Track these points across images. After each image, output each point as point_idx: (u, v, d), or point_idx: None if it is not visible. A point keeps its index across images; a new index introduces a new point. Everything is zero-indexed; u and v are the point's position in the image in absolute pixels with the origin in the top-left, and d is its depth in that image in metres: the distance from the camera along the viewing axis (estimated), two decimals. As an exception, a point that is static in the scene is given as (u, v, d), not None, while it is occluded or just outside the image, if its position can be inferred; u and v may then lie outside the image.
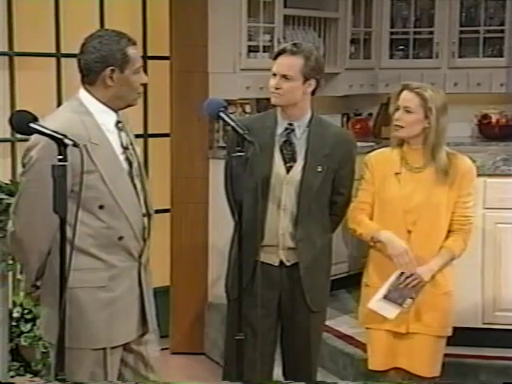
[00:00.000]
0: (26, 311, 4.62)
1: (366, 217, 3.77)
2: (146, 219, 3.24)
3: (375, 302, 3.67)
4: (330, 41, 6.31)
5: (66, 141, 2.72)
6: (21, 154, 2.94)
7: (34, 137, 2.99)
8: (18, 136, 4.60)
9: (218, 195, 4.62)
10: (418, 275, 3.64)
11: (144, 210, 3.23)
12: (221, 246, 5.14)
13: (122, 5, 5.69)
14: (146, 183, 3.29)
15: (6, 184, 4.43)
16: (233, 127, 3.22)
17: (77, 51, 3.15)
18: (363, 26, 6.63)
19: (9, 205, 4.23)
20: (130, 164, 3.20)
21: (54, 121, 3.02)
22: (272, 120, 3.73)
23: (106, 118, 3.15)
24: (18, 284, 4.70)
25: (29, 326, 4.58)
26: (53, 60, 5.34)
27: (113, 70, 3.09)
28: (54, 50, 5.32)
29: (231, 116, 3.34)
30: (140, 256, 3.21)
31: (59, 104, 5.08)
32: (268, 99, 3.76)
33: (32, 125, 2.77)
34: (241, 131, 3.18)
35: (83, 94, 3.16)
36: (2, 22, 5.11)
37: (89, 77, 3.13)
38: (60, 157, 2.71)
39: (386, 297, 3.66)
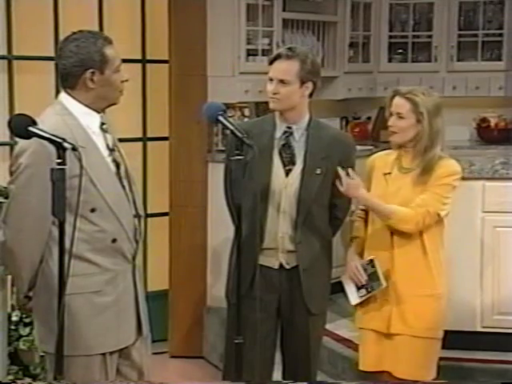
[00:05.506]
0: (24, 315, 4.60)
1: (363, 223, 3.85)
2: (136, 220, 3.22)
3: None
4: (328, 44, 6.32)
5: (65, 144, 2.71)
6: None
7: (22, 143, 2.97)
8: (17, 139, 4.59)
9: (216, 198, 4.61)
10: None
11: (134, 211, 3.21)
12: (219, 250, 5.14)
13: (121, 8, 5.70)
14: (134, 184, 3.26)
15: (5, 188, 4.42)
16: (231, 131, 3.21)
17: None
18: (362, 30, 6.63)
19: (7, 208, 4.23)
20: (118, 165, 3.18)
21: (41, 125, 2.96)
22: (270, 124, 3.73)
23: (89, 120, 3.11)
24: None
25: (27, 329, 4.56)
26: (52, 64, 5.32)
27: (93, 73, 3.05)
28: (52, 54, 5.31)
29: (230, 119, 3.34)
30: (133, 258, 3.20)
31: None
32: (267, 103, 3.76)
33: (31, 128, 2.77)
34: (239, 135, 3.18)
35: (64, 97, 3.12)
36: (1, 25, 5.11)
37: (68, 81, 3.10)
38: (59, 160, 2.69)
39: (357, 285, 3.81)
